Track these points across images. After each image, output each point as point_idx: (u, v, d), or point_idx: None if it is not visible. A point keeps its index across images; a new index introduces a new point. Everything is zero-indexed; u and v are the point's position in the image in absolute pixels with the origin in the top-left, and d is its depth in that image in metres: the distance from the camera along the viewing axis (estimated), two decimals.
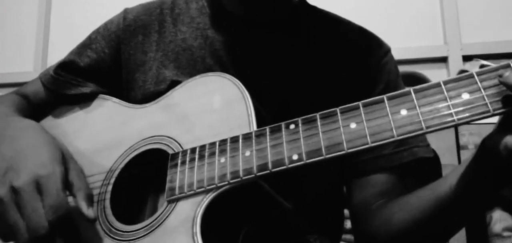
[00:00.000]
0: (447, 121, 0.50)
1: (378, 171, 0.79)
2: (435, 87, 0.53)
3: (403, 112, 0.53)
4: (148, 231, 0.65)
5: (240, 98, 0.68)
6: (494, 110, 0.48)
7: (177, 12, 0.90)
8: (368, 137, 0.54)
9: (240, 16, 0.86)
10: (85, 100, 0.89)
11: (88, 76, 0.89)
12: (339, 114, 0.58)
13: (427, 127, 0.51)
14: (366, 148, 0.54)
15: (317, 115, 0.59)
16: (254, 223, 0.68)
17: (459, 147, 1.83)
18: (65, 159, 0.68)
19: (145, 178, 0.76)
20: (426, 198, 0.67)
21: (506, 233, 1.64)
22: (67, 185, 0.66)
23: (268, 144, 0.61)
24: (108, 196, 0.73)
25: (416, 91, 0.54)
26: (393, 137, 0.52)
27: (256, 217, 0.68)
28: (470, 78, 0.51)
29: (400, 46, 2.17)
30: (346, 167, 0.82)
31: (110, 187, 0.74)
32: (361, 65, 0.84)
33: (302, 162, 0.57)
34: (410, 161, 0.78)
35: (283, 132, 0.60)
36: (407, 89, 0.55)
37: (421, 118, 0.52)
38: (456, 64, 2.15)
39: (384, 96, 0.56)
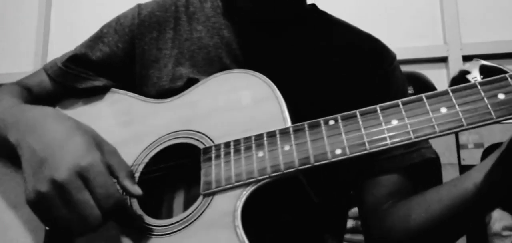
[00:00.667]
0: (487, 119, 0.53)
1: (390, 172, 0.80)
2: (471, 88, 0.55)
3: (443, 110, 0.55)
4: (184, 225, 0.64)
5: (271, 96, 0.69)
6: None
7: (192, 10, 0.90)
8: (411, 133, 0.56)
9: (257, 16, 0.87)
10: (95, 94, 0.88)
11: (99, 70, 0.89)
12: (379, 111, 0.60)
13: (468, 124, 0.53)
14: (408, 143, 0.56)
15: (357, 112, 0.61)
16: (289, 216, 0.69)
17: (459, 147, 1.83)
18: (97, 143, 0.66)
19: (169, 172, 0.75)
20: (448, 196, 0.67)
21: (505, 233, 1.64)
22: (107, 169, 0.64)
23: (308, 138, 0.62)
24: None
25: (453, 91, 0.56)
26: (435, 133, 0.55)
27: (289, 211, 0.69)
28: (504, 80, 0.54)
29: (400, 46, 2.16)
30: (359, 168, 0.83)
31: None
32: (371, 71, 0.85)
33: (345, 156, 0.58)
34: (418, 162, 0.80)
35: (323, 128, 0.62)
36: (444, 89, 0.57)
37: (461, 116, 0.54)
38: (456, 64, 2.15)
39: (423, 95, 0.58)
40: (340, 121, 0.61)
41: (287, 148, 0.62)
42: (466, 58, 2.15)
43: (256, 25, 0.86)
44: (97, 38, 0.91)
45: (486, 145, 1.75)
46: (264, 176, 0.62)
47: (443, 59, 2.24)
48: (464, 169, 1.79)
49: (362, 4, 2.33)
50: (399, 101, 0.59)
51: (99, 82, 0.88)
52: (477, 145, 1.77)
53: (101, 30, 0.92)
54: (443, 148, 1.74)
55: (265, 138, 0.65)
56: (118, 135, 0.78)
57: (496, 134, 1.72)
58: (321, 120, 0.62)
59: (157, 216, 0.69)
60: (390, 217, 0.76)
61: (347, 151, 0.58)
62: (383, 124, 0.58)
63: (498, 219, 1.65)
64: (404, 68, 2.10)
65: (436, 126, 0.55)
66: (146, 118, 0.79)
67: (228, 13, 0.88)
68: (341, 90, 0.82)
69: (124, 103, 0.85)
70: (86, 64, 0.89)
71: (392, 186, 0.80)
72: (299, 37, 0.86)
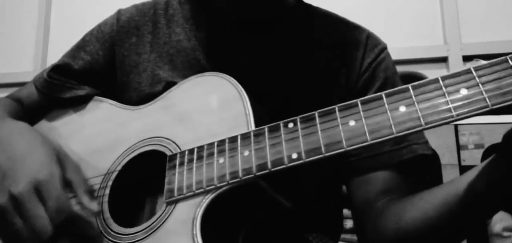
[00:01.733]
0: (446, 117, 0.50)
1: (378, 168, 0.78)
2: (433, 83, 0.52)
3: (402, 108, 0.53)
4: (148, 234, 0.64)
5: (238, 98, 0.68)
6: (492, 105, 0.47)
7: (171, 13, 0.90)
8: (367, 134, 0.54)
9: (236, 16, 0.85)
10: (79, 103, 0.88)
11: (82, 79, 0.89)
12: (337, 111, 0.57)
13: (426, 123, 0.50)
14: (365, 146, 0.54)
15: (316, 113, 0.59)
16: (254, 223, 0.68)
17: (459, 147, 1.83)
18: (60, 158, 0.68)
19: (143, 180, 0.76)
20: (443, 197, 0.65)
21: (506, 233, 1.64)
22: (66, 184, 0.65)
23: (267, 143, 0.60)
24: (106, 199, 0.72)
25: (414, 88, 0.53)
26: (392, 134, 0.52)
27: (256, 216, 0.68)
28: (468, 73, 0.51)
29: (400, 46, 2.17)
30: (345, 166, 0.81)
31: (107, 190, 0.73)
32: (358, 62, 0.84)
33: (301, 161, 0.57)
34: (409, 159, 0.77)
35: (282, 131, 0.60)
36: (405, 86, 0.54)
37: (419, 114, 0.51)
38: (456, 64, 2.15)
39: (382, 93, 0.55)
40: (299, 123, 0.59)
41: (246, 153, 0.61)
42: (466, 58, 2.15)
43: (236, 25, 0.85)
44: (80, 47, 0.91)
45: (487, 145, 1.75)
46: (223, 184, 0.61)
47: (443, 59, 2.23)
48: (464, 169, 1.79)
49: (362, 4, 2.33)
50: (358, 101, 0.56)
51: (82, 91, 0.88)
52: (478, 146, 1.77)
53: (83, 39, 0.92)
54: (443, 149, 1.74)
55: (227, 144, 0.64)
56: (97, 143, 0.80)
57: (497, 134, 1.72)
58: (281, 123, 0.61)
59: (132, 224, 0.69)
60: (384, 216, 0.74)
61: (303, 155, 0.57)
62: (340, 126, 0.56)
63: (499, 220, 1.65)
64: (404, 68, 2.11)
65: (393, 127, 0.52)
66: (122, 125, 0.80)
67: (207, 15, 0.87)
68: (328, 83, 0.81)
69: (105, 111, 0.85)
70: (69, 73, 0.89)
71: (383, 184, 0.77)
72: (282, 34, 0.85)
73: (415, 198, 0.70)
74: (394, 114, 0.53)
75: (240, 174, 0.60)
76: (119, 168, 0.74)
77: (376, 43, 0.87)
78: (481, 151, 1.76)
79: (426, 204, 0.67)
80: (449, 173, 1.77)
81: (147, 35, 0.88)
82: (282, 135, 0.60)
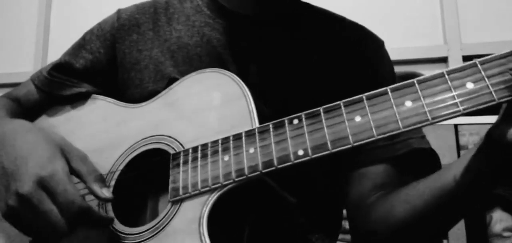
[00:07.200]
0: (453, 112, 0.50)
1: (373, 163, 0.78)
2: (439, 78, 0.52)
3: (408, 103, 0.53)
4: (154, 233, 0.64)
5: (240, 95, 0.68)
6: (499, 98, 0.47)
7: (172, 11, 0.90)
8: (373, 129, 0.53)
9: (239, 13, 0.85)
10: (79, 101, 0.88)
11: (83, 77, 0.89)
12: (343, 107, 0.57)
13: (432, 118, 0.51)
14: (372, 141, 0.53)
15: (321, 109, 0.59)
16: (259, 220, 0.68)
17: (459, 147, 1.83)
18: (64, 151, 0.68)
19: (146, 178, 0.75)
20: (428, 189, 0.66)
21: (506, 233, 1.64)
22: (74, 175, 0.66)
23: (272, 140, 0.60)
24: None
25: (419, 82, 0.53)
26: (398, 129, 0.52)
27: (261, 213, 0.68)
28: (474, 67, 0.51)
29: (400, 46, 2.17)
30: (340, 162, 0.81)
31: (111, 190, 0.72)
32: (357, 59, 0.85)
33: (307, 158, 0.57)
34: (405, 153, 0.77)
35: (287, 128, 0.60)
36: (410, 80, 0.54)
37: (426, 109, 0.51)
38: (456, 64, 2.11)
39: (388, 88, 0.55)
40: (304, 120, 0.59)
41: (251, 150, 0.61)
42: (466, 58, 2.14)
43: (238, 22, 0.85)
44: (80, 45, 0.91)
45: None
46: (229, 181, 0.61)
47: (443, 59, 2.23)
48: None
49: (362, 4, 2.33)
50: (364, 96, 0.56)
51: (83, 89, 0.88)
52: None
53: (83, 38, 0.92)
54: (444, 149, 1.74)
55: (231, 141, 0.63)
56: (98, 142, 0.79)
57: None
58: (286, 120, 0.61)
59: (137, 224, 0.69)
60: (374, 212, 0.75)
61: (309, 152, 0.57)
62: (346, 121, 0.56)
63: (499, 220, 1.65)
64: (404, 68, 2.11)
65: (399, 122, 0.52)
66: (123, 124, 0.79)
67: (210, 11, 0.88)
68: (328, 80, 0.81)
69: (103, 109, 0.85)
70: (70, 72, 0.89)
71: (375, 179, 0.78)
72: (284, 33, 0.85)
73: (402, 193, 0.71)
74: (400, 109, 0.53)
75: (246, 171, 0.60)
76: (121, 167, 0.74)
77: (374, 40, 0.88)
78: None
79: (414, 199, 0.68)
80: None
81: (148, 32, 0.88)
82: (287, 132, 0.60)
